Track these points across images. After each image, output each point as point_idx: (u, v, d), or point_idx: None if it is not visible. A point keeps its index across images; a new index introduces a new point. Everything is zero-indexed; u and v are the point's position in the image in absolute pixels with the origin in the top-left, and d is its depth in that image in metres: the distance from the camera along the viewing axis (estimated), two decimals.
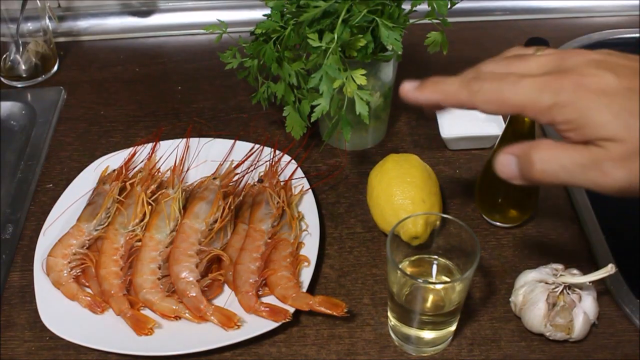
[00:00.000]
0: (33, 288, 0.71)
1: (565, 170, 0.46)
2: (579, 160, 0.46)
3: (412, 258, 0.68)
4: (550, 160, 0.46)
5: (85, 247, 0.74)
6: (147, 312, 0.69)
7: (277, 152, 0.83)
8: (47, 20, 1.00)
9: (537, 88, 0.46)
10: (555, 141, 0.47)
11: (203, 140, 0.86)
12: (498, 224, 0.77)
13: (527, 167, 0.47)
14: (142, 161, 0.83)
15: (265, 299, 0.69)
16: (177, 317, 0.68)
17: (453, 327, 0.66)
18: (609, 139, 0.45)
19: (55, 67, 1.02)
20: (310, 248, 0.73)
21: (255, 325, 0.66)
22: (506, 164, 0.48)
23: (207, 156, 0.84)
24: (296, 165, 0.81)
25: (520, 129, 0.69)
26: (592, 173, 0.46)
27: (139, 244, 0.73)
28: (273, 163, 0.81)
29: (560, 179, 0.46)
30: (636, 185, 0.45)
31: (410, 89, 0.52)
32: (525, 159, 0.47)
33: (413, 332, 0.65)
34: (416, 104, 0.53)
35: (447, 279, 0.66)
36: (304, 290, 0.69)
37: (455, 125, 0.85)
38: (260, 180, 0.79)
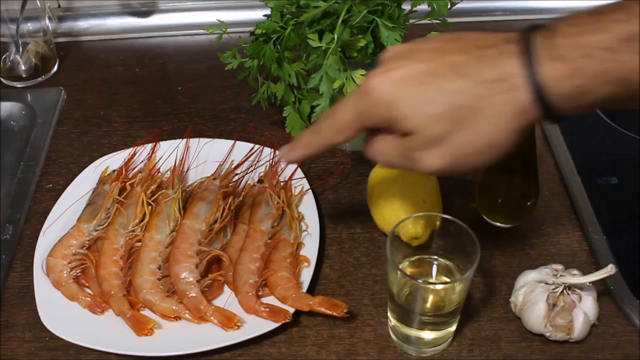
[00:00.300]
0: (33, 288, 0.71)
1: (393, 160, 0.53)
2: (398, 151, 0.51)
3: (412, 258, 0.68)
4: (381, 154, 0.53)
5: (85, 248, 0.74)
6: (147, 312, 0.69)
7: (277, 152, 0.83)
8: (47, 21, 1.00)
9: (355, 97, 0.51)
10: (386, 135, 0.52)
11: (203, 140, 0.86)
12: (498, 224, 0.77)
13: (374, 159, 0.55)
14: (142, 161, 0.83)
15: (265, 300, 0.69)
16: (177, 318, 0.68)
17: (453, 328, 0.65)
18: (412, 131, 0.49)
19: (55, 68, 1.02)
20: (310, 248, 0.73)
21: (255, 326, 0.66)
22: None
23: (207, 156, 0.84)
24: (296, 166, 0.81)
25: None
26: (410, 162, 0.51)
27: (139, 244, 0.73)
28: (273, 163, 0.81)
29: (394, 166, 0.54)
30: (452, 167, 0.50)
31: (286, 155, 0.58)
32: (370, 153, 0.54)
33: (413, 332, 0.65)
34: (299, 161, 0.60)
35: (447, 280, 0.66)
36: (304, 290, 0.69)
37: None
38: (260, 181, 0.79)
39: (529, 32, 0.47)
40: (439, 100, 0.48)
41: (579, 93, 0.45)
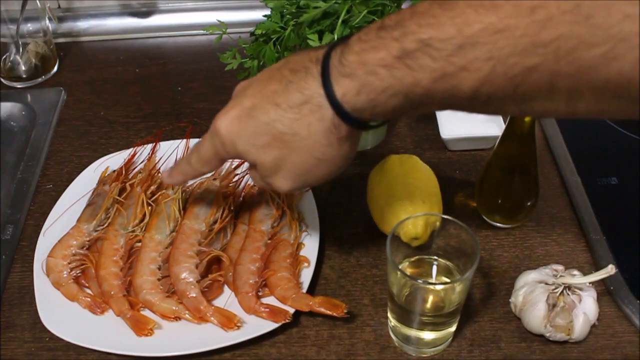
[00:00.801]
0: (33, 289, 0.71)
1: (260, 185, 0.61)
2: (258, 179, 0.59)
3: (412, 259, 0.68)
4: (253, 180, 0.61)
5: (85, 248, 0.74)
6: (147, 312, 0.69)
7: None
8: (47, 21, 1.00)
9: (210, 135, 0.57)
10: (249, 168, 0.60)
11: None
12: (498, 224, 0.77)
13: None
14: (142, 162, 0.83)
15: (265, 300, 0.69)
16: (177, 318, 0.68)
17: (453, 328, 0.65)
18: (254, 162, 0.56)
19: (55, 68, 1.02)
20: (310, 249, 0.73)
21: (255, 326, 0.66)
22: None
23: None
24: None
25: (520, 129, 0.68)
26: (269, 186, 0.58)
27: (139, 244, 0.73)
28: None
29: (262, 188, 0.64)
30: (301, 184, 0.56)
31: (166, 179, 0.66)
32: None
33: (413, 332, 0.65)
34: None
35: (447, 280, 0.66)
36: (304, 291, 0.69)
37: (456, 126, 0.85)
38: None
39: (330, 50, 0.50)
40: (263, 131, 0.53)
41: (370, 106, 0.49)
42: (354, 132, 0.53)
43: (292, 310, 0.67)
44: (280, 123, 0.52)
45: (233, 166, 0.81)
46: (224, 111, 0.56)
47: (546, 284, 0.66)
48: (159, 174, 0.81)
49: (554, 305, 0.65)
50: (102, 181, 0.80)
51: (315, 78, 0.50)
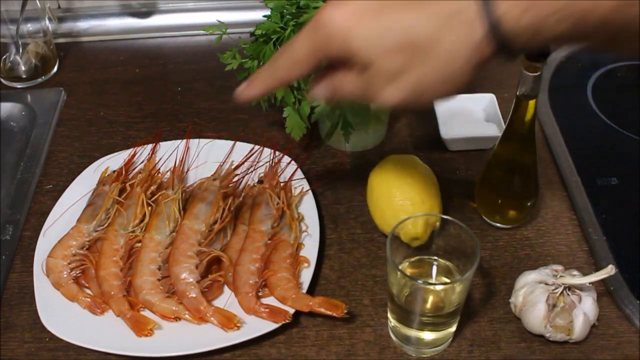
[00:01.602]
0: (33, 289, 0.71)
1: (352, 95, 0.52)
2: (356, 85, 0.51)
3: (412, 259, 0.68)
4: (339, 89, 0.53)
5: (85, 248, 0.74)
6: (147, 313, 0.69)
7: (277, 153, 0.83)
8: (47, 21, 1.00)
9: (310, 30, 0.50)
10: (343, 70, 0.51)
11: (203, 141, 0.86)
12: (498, 224, 0.77)
13: (332, 95, 0.54)
14: (142, 162, 0.83)
15: (265, 300, 0.69)
16: (177, 318, 0.68)
17: (453, 328, 0.65)
18: (369, 63, 0.49)
19: (55, 68, 1.02)
20: (310, 249, 0.73)
21: (255, 326, 0.66)
22: (319, 93, 0.55)
23: (207, 157, 0.84)
24: (296, 167, 0.81)
25: (520, 130, 0.69)
26: (369, 96, 0.51)
27: (139, 245, 0.73)
28: (273, 164, 0.81)
29: (357, 100, 0.53)
30: (412, 100, 0.50)
31: (243, 92, 0.57)
32: (324, 90, 0.54)
33: (413, 333, 0.65)
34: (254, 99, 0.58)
35: (447, 280, 0.66)
36: (304, 291, 0.69)
37: (455, 126, 0.85)
38: (260, 182, 0.79)
39: None
40: (396, 33, 0.47)
41: (533, 29, 0.45)
42: (493, 58, 0.48)
43: (292, 311, 0.67)
44: (420, 29, 0.47)
45: (233, 167, 0.82)
46: (334, 4, 0.49)
47: (546, 284, 0.66)
48: (159, 174, 0.81)
49: (554, 306, 0.65)
50: (102, 181, 0.80)
51: None
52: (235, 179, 0.80)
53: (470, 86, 0.50)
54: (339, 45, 0.49)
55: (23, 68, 0.99)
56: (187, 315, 0.68)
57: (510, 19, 0.45)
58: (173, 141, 0.86)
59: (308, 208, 0.77)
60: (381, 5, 0.48)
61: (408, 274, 0.66)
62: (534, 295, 0.66)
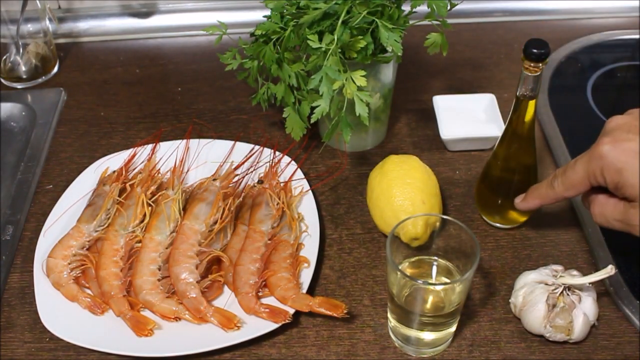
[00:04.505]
0: (33, 289, 0.71)
1: (611, 223, 0.60)
2: (618, 216, 0.59)
3: (412, 259, 0.68)
4: (600, 214, 0.61)
5: (85, 249, 0.74)
6: (147, 313, 0.69)
7: (277, 153, 0.83)
8: (47, 22, 1.00)
9: (587, 159, 0.60)
10: (607, 196, 0.61)
11: (203, 141, 0.86)
12: (498, 225, 0.77)
13: (592, 216, 0.62)
14: (142, 162, 0.83)
15: (265, 300, 0.69)
16: (177, 318, 0.68)
17: (453, 328, 0.66)
18: (634, 198, 0.57)
19: (55, 69, 1.02)
20: (310, 249, 0.73)
21: (255, 327, 0.67)
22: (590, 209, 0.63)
23: (207, 157, 0.84)
24: (296, 167, 0.81)
25: (520, 130, 0.69)
26: (628, 227, 0.59)
27: (139, 245, 0.73)
28: (273, 164, 0.81)
29: (610, 227, 0.61)
30: None
31: (520, 204, 0.69)
32: (590, 210, 0.63)
33: (413, 333, 0.65)
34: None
35: (447, 280, 0.66)
36: (304, 291, 0.69)
37: (455, 126, 0.85)
38: (260, 182, 0.79)
39: None
40: None
41: None
42: None
43: (292, 311, 0.67)
44: None
45: (233, 167, 0.82)
46: (613, 140, 0.58)
47: (546, 284, 0.66)
48: (159, 174, 0.81)
49: (554, 306, 0.65)
50: (102, 182, 0.80)
51: None
52: (235, 179, 0.80)
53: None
54: (612, 176, 0.57)
55: (23, 68, 0.99)
56: (187, 316, 0.68)
57: None
58: (173, 141, 0.86)
59: (308, 208, 0.77)
60: None
61: (408, 274, 0.66)
62: (534, 296, 0.66)
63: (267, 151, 0.84)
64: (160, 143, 0.86)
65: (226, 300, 0.70)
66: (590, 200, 0.63)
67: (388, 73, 0.79)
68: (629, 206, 0.58)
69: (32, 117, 0.94)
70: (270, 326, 0.66)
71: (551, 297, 0.65)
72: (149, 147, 0.85)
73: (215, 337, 0.66)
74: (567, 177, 0.62)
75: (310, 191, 0.79)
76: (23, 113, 0.96)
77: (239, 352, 0.67)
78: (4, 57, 1.00)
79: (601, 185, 0.59)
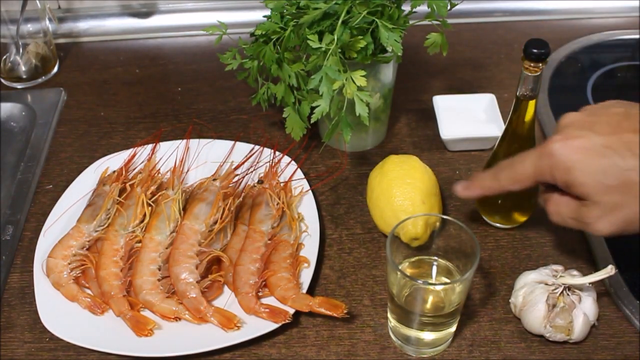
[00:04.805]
0: (33, 289, 0.71)
1: (566, 221, 0.60)
2: (570, 212, 0.59)
3: (412, 259, 0.68)
4: (555, 213, 0.60)
5: (85, 249, 0.74)
6: (147, 313, 0.69)
7: (277, 153, 0.83)
8: (47, 22, 1.00)
9: (536, 156, 0.58)
10: (561, 194, 0.59)
11: (203, 141, 0.86)
12: (498, 225, 0.77)
13: (548, 215, 0.61)
14: (142, 162, 0.83)
15: (265, 300, 0.69)
16: (177, 318, 0.68)
17: (453, 329, 0.66)
18: (586, 197, 0.56)
19: (55, 69, 1.02)
20: (310, 249, 0.73)
21: (255, 327, 0.67)
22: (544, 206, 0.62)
23: (207, 157, 0.84)
24: (296, 167, 0.81)
25: (520, 130, 0.69)
26: (582, 225, 0.58)
27: (139, 245, 0.73)
28: (273, 164, 0.81)
29: (566, 225, 0.60)
30: (620, 232, 0.56)
31: (461, 191, 0.66)
32: (546, 209, 0.62)
33: (413, 333, 0.65)
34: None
35: (447, 280, 0.66)
36: (304, 291, 0.69)
37: (455, 126, 0.85)
38: (260, 182, 0.79)
39: None
40: (614, 174, 0.54)
41: None
42: None
43: (292, 311, 0.67)
44: (635, 173, 0.53)
45: (233, 167, 0.82)
46: (563, 138, 0.56)
47: (546, 284, 0.66)
48: (159, 174, 0.81)
49: (554, 306, 0.65)
50: (102, 182, 0.80)
51: None
52: (235, 179, 0.80)
53: None
54: (560, 174, 0.56)
55: (23, 68, 1.00)
56: (187, 316, 0.68)
57: None
58: (173, 141, 0.86)
59: (308, 208, 0.77)
60: (603, 146, 0.55)
61: (408, 274, 0.66)
62: (534, 296, 0.66)
63: (267, 151, 0.84)
64: (160, 143, 0.86)
65: (226, 300, 0.70)
66: (545, 199, 0.62)
67: (388, 73, 0.79)
68: (581, 204, 0.57)
69: (32, 117, 0.94)
70: (270, 326, 0.66)
71: (551, 297, 0.65)
72: (149, 147, 0.85)
73: (215, 337, 0.66)
74: (514, 171, 0.60)
75: (310, 191, 0.79)
76: (23, 113, 0.96)
77: (239, 352, 0.67)
78: (4, 57, 1.00)
79: (549, 183, 0.58)
